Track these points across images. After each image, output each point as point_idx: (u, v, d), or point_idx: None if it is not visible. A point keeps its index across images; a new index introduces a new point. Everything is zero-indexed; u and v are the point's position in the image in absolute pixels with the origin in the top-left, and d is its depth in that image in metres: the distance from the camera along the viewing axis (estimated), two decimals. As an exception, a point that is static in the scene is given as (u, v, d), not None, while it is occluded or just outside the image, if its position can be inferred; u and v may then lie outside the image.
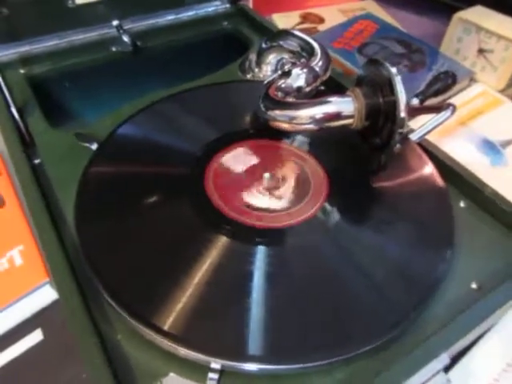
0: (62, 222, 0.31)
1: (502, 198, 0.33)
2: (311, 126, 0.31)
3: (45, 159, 0.35)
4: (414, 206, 0.32)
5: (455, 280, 0.29)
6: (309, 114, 0.31)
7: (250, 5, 0.70)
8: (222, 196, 0.32)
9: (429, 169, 0.34)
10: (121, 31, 0.44)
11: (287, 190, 0.33)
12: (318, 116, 0.31)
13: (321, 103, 0.31)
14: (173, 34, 0.48)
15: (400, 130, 0.30)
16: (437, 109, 0.39)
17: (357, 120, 0.31)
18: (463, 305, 0.28)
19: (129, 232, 0.29)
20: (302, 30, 0.68)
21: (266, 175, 0.32)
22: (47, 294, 0.32)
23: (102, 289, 0.26)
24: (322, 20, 0.71)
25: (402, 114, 0.29)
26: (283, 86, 0.35)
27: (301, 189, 0.33)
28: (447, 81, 0.46)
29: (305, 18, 0.72)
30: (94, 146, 0.35)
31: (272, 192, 0.32)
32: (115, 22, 0.44)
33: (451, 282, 0.29)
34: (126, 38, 0.44)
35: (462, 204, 0.34)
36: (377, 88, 0.31)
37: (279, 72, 0.36)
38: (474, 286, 0.29)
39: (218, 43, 0.50)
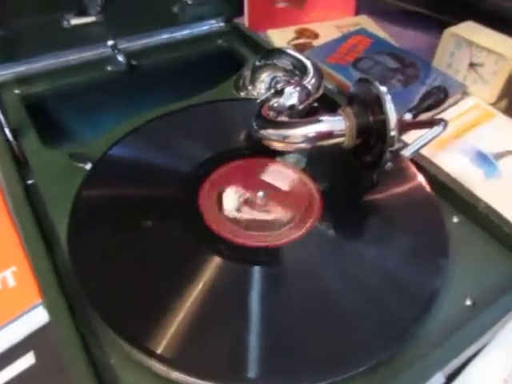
0: (54, 243, 0.31)
1: (496, 213, 0.33)
2: (304, 145, 0.31)
3: (38, 179, 0.35)
4: (408, 223, 0.32)
5: (449, 297, 0.29)
6: (301, 133, 0.31)
7: (246, 21, 0.71)
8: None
9: (421, 185, 0.34)
10: (115, 51, 0.45)
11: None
12: (310, 135, 0.31)
13: (312, 122, 0.31)
14: (168, 52, 0.49)
15: (390, 149, 0.30)
16: (429, 124, 0.40)
17: (348, 138, 0.31)
18: (458, 322, 0.27)
19: (122, 254, 0.29)
20: (297, 46, 0.70)
21: (260, 194, 0.33)
22: (40, 316, 0.31)
23: (94, 311, 0.26)
24: (316, 35, 0.72)
25: (392, 133, 0.29)
26: (276, 105, 0.35)
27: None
28: (439, 96, 0.46)
29: (300, 33, 0.73)
30: (88, 166, 0.36)
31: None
32: (110, 42, 0.45)
33: (445, 299, 0.29)
34: (120, 58, 0.45)
35: (455, 219, 0.34)
36: (367, 107, 0.31)
37: (272, 91, 0.37)
38: (468, 302, 0.29)
39: (213, 61, 0.51)
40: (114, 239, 0.30)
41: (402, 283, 0.29)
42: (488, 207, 0.33)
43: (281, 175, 0.36)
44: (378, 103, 0.30)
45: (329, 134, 0.31)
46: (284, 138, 0.32)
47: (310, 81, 0.38)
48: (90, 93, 0.45)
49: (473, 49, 0.58)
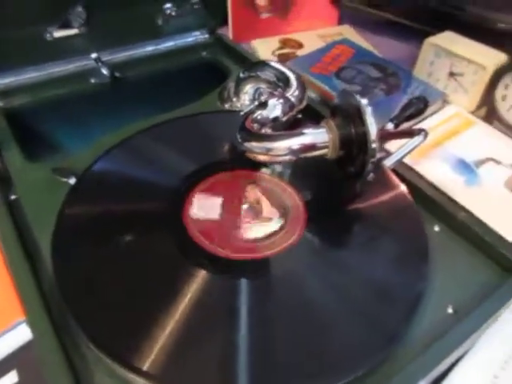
0: (38, 259, 0.31)
1: (475, 222, 0.34)
2: (288, 157, 0.32)
3: (21, 195, 0.35)
4: (390, 233, 0.33)
5: (432, 305, 0.30)
6: (285, 146, 0.31)
7: (230, 32, 0.71)
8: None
9: (403, 195, 0.35)
10: (99, 63, 0.45)
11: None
12: (293, 147, 0.31)
13: (296, 135, 0.32)
14: (152, 64, 0.49)
15: (372, 160, 0.30)
16: (410, 134, 0.40)
17: (331, 150, 0.32)
18: (440, 330, 0.28)
19: (107, 270, 0.29)
20: (281, 55, 0.70)
21: (244, 206, 0.33)
22: (23, 334, 0.31)
23: (79, 328, 0.26)
24: (300, 45, 0.73)
25: (373, 145, 0.30)
26: (259, 117, 0.36)
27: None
28: (419, 106, 0.48)
29: (284, 43, 0.74)
30: (72, 181, 0.35)
31: (251, 221, 0.33)
32: (94, 55, 0.45)
33: (428, 308, 0.29)
34: (104, 70, 0.45)
35: (436, 228, 0.35)
36: (349, 119, 0.32)
37: (256, 103, 0.37)
38: (450, 310, 0.30)
39: (197, 73, 0.51)
40: (99, 255, 0.30)
41: (385, 293, 0.29)
42: (467, 216, 0.34)
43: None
44: (359, 115, 0.31)
45: (312, 147, 0.32)
46: (268, 151, 0.32)
47: (293, 93, 0.38)
48: (74, 105, 0.45)
49: (452, 58, 0.60)
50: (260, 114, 0.36)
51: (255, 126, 0.35)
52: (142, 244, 0.31)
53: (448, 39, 0.61)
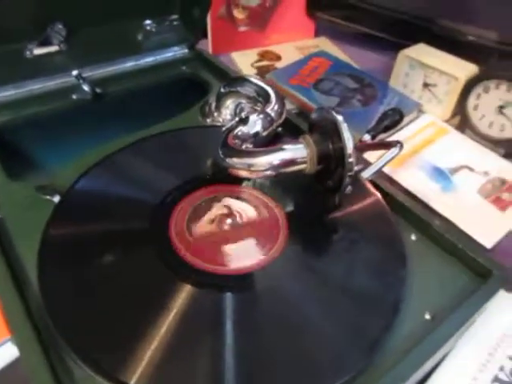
0: (23, 278, 0.31)
1: (449, 230, 0.35)
2: (268, 173, 0.33)
3: (5, 214, 0.35)
4: (368, 243, 0.34)
5: (410, 312, 0.31)
6: (265, 162, 0.32)
7: (210, 45, 0.73)
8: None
9: (381, 206, 0.36)
10: (81, 80, 0.45)
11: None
12: (273, 163, 0.32)
13: (275, 151, 0.33)
14: (133, 80, 0.50)
15: (349, 174, 0.32)
16: (386, 145, 0.42)
17: (310, 165, 0.33)
18: (419, 336, 0.29)
19: (93, 287, 0.30)
20: (260, 68, 0.72)
21: (228, 220, 0.34)
22: (9, 352, 0.31)
23: (67, 345, 0.26)
24: (279, 57, 0.75)
25: (350, 160, 0.31)
26: (240, 133, 0.36)
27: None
28: (395, 117, 0.49)
29: (262, 55, 0.75)
30: (56, 199, 0.36)
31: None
32: (74, 72, 0.45)
33: (406, 315, 0.30)
34: (85, 87, 0.45)
35: (413, 237, 0.36)
36: (327, 134, 0.33)
37: (237, 119, 0.38)
38: (427, 316, 0.31)
39: (178, 87, 0.52)
40: (85, 273, 0.30)
41: (365, 303, 0.30)
42: (442, 225, 0.35)
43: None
44: (336, 131, 0.32)
45: (291, 162, 0.33)
46: (249, 167, 0.33)
47: (272, 107, 0.40)
48: (55, 122, 0.45)
49: (426, 70, 0.62)
50: (241, 130, 0.37)
51: (237, 142, 0.36)
52: (128, 261, 0.31)
53: (421, 51, 0.63)
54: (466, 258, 0.34)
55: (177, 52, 0.53)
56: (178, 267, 0.31)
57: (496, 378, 0.33)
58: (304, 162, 0.33)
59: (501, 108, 0.56)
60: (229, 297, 0.30)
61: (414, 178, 0.52)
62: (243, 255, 0.32)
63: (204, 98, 0.48)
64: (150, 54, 0.51)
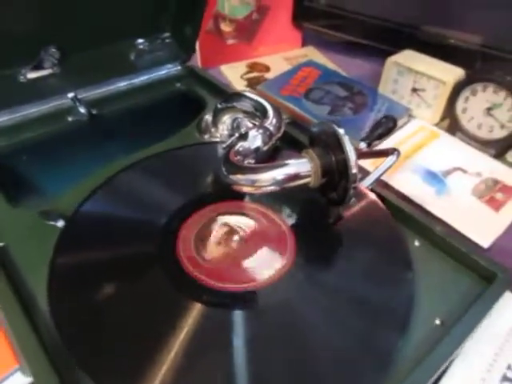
0: (32, 305, 0.31)
1: (451, 235, 0.36)
2: (272, 188, 0.33)
3: (9, 241, 0.35)
4: (375, 254, 0.34)
5: (420, 319, 0.31)
6: (269, 177, 0.33)
7: (198, 59, 0.73)
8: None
9: (383, 213, 0.37)
10: (76, 102, 0.45)
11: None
12: (277, 178, 0.33)
13: (279, 166, 0.33)
14: (128, 99, 0.50)
15: (353, 185, 0.32)
16: (383, 153, 0.43)
17: (314, 179, 0.33)
18: (431, 342, 0.29)
19: (105, 313, 0.30)
20: (250, 79, 0.72)
21: (235, 237, 0.34)
22: (18, 381, 0.31)
23: (82, 372, 0.26)
24: (268, 68, 0.76)
25: (354, 171, 0.32)
26: (241, 149, 0.37)
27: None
28: (389, 124, 0.50)
29: (251, 67, 0.76)
30: (61, 223, 0.35)
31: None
32: (70, 94, 0.45)
33: (417, 322, 0.31)
34: (81, 109, 0.45)
35: (416, 243, 0.37)
36: (328, 147, 0.34)
37: (237, 134, 0.38)
38: (437, 322, 0.31)
39: (174, 104, 0.52)
40: (96, 299, 0.30)
41: (376, 314, 0.30)
42: (444, 229, 0.36)
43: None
44: (337, 143, 0.33)
45: (295, 176, 0.33)
46: (253, 183, 0.33)
47: (270, 122, 0.40)
48: (53, 145, 0.45)
49: (414, 75, 0.63)
50: (242, 145, 0.37)
51: (238, 158, 0.36)
52: (139, 283, 0.31)
53: (408, 57, 0.64)
54: (469, 262, 0.34)
55: (170, 69, 0.54)
56: (188, 287, 0.31)
57: (505, 377, 0.33)
58: (308, 176, 0.33)
59: (489, 110, 0.57)
60: (239, 315, 0.30)
61: (408, 183, 0.53)
62: (264, 264, 0.33)
63: (200, 114, 0.49)
64: (144, 73, 0.51)
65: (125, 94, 0.50)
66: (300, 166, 0.33)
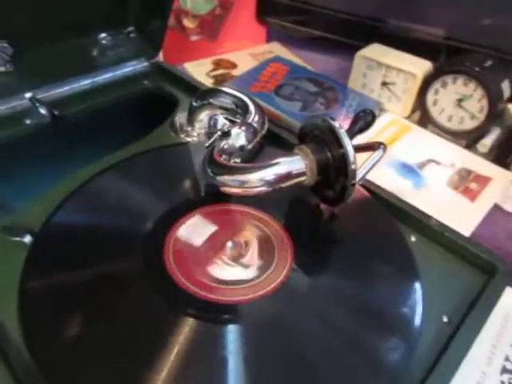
0: (2, 336, 0.27)
1: (449, 228, 0.35)
2: (263, 189, 0.31)
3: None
4: (375, 254, 0.33)
5: (428, 319, 0.29)
6: (259, 177, 0.30)
7: (161, 56, 0.69)
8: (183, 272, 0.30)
9: (379, 210, 0.35)
10: (36, 103, 0.41)
11: (253, 255, 0.32)
12: (269, 178, 0.30)
13: (271, 165, 0.31)
14: (93, 99, 0.45)
15: (353, 182, 0.30)
16: (368, 148, 0.41)
17: (309, 176, 0.31)
18: (443, 340, 0.28)
19: (90, 334, 0.26)
20: (217, 76, 0.70)
21: (229, 244, 0.31)
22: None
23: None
24: (234, 65, 0.73)
25: (353, 166, 0.30)
26: (226, 147, 0.34)
27: (266, 253, 0.32)
28: (368, 118, 0.49)
29: (217, 64, 0.73)
30: (27, 239, 0.31)
31: (238, 261, 0.31)
32: (28, 94, 0.41)
33: (425, 322, 0.29)
34: (42, 110, 0.41)
35: (412, 238, 0.35)
36: (323, 143, 0.32)
37: (219, 133, 0.36)
38: (445, 319, 0.30)
39: (143, 103, 0.48)
40: (76, 323, 0.27)
41: (386, 317, 0.29)
42: (441, 224, 0.35)
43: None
44: (333, 138, 0.31)
45: (288, 175, 0.31)
46: (242, 184, 0.31)
47: (253, 118, 0.38)
48: (10, 153, 0.40)
49: (383, 69, 0.63)
50: (226, 143, 0.35)
51: (223, 157, 0.34)
52: (124, 298, 0.28)
53: (377, 51, 0.64)
54: (468, 255, 0.34)
55: (136, 66, 0.50)
56: (177, 299, 0.28)
57: (504, 369, 0.33)
58: (301, 175, 0.31)
59: (459, 101, 0.58)
60: (231, 328, 0.27)
61: (385, 177, 0.52)
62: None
63: (172, 112, 0.45)
64: (108, 70, 0.47)
65: (89, 93, 0.46)
66: (292, 164, 0.31)
